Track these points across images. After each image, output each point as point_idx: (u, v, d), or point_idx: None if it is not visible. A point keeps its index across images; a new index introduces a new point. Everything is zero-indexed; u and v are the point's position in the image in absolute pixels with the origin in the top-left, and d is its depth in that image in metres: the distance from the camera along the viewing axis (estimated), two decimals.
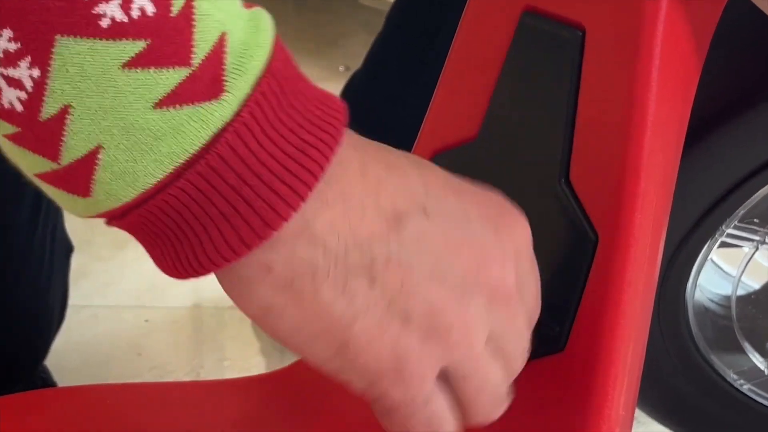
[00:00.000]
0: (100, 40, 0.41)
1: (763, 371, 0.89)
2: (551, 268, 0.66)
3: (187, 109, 0.44)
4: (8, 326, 1.04)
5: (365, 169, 0.49)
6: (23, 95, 0.42)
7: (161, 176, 0.44)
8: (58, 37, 0.41)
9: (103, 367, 1.23)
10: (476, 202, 0.54)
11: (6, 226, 0.99)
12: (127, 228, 0.48)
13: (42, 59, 0.41)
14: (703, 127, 0.77)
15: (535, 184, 0.67)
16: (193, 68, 0.43)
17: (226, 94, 0.44)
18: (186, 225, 0.46)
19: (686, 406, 0.91)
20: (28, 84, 0.42)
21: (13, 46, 0.41)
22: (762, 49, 0.78)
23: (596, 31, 0.64)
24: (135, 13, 0.42)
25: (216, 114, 0.44)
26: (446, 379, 0.53)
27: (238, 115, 0.44)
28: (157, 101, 0.43)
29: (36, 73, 0.42)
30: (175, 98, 0.43)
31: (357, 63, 1.36)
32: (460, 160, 0.70)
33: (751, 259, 0.87)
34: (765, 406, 0.90)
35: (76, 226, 1.17)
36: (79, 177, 0.44)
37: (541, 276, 0.65)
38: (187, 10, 0.43)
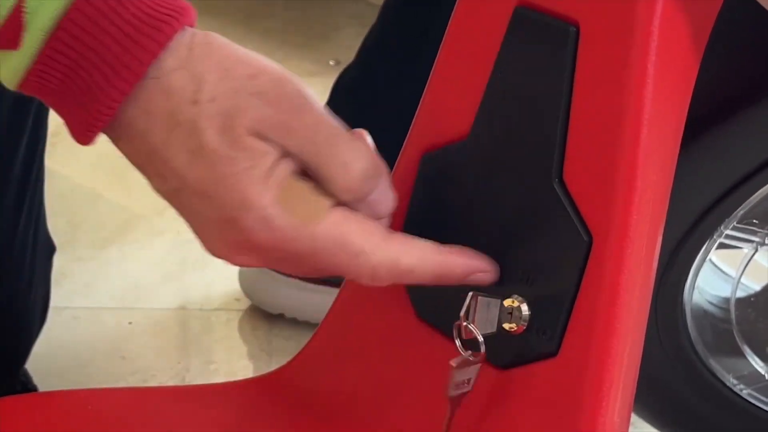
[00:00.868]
0: None
1: (764, 376, 0.89)
2: (544, 270, 0.65)
3: None
4: None
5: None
6: None
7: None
8: None
9: (84, 370, 1.23)
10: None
11: None
12: (37, 88, 0.60)
13: None
14: (701, 126, 0.77)
15: (528, 184, 0.66)
16: None
17: None
18: (74, 74, 0.59)
19: (684, 412, 0.90)
20: None
21: None
22: (762, 46, 0.77)
23: (591, 26, 0.64)
24: None
25: None
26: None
27: None
28: None
29: None
30: None
31: (347, 56, 1.36)
32: (451, 158, 0.69)
33: (751, 260, 0.87)
34: (765, 411, 0.89)
35: (58, 226, 1.17)
36: (12, 27, 0.58)
37: (533, 278, 0.66)
38: None
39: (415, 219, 0.71)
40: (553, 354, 0.65)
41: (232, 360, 1.26)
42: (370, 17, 1.34)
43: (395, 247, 0.63)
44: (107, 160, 1.53)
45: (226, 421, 0.76)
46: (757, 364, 0.90)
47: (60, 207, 1.44)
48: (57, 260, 1.11)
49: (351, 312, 0.75)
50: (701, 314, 0.89)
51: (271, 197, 0.60)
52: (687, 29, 0.64)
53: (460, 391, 0.66)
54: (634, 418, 0.84)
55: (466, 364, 0.65)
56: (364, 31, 1.34)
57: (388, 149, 0.71)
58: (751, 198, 0.81)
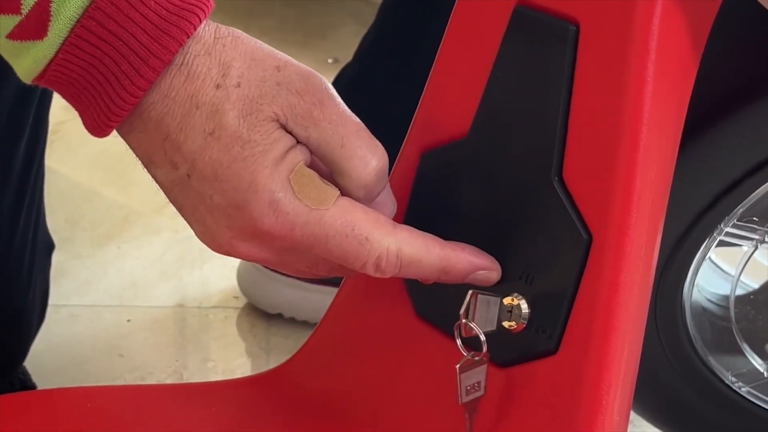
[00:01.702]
0: None
1: (763, 374, 0.89)
2: (543, 268, 0.65)
3: None
4: None
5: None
6: None
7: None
8: None
9: (82, 368, 1.23)
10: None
11: None
12: (57, 79, 0.61)
13: None
14: (700, 123, 0.77)
15: (528, 182, 0.66)
16: None
17: None
18: (98, 63, 0.60)
19: (683, 409, 0.90)
20: None
21: None
22: (761, 44, 0.77)
23: (591, 24, 0.64)
24: None
25: None
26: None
27: None
28: None
29: None
30: None
31: (346, 54, 1.36)
32: (451, 157, 0.69)
33: (750, 258, 0.87)
34: (764, 409, 0.89)
35: (56, 223, 1.17)
36: (39, 17, 0.59)
37: (533, 276, 0.66)
38: None
39: (415, 217, 0.71)
40: (552, 352, 0.65)
41: (229, 358, 1.26)
42: (368, 15, 1.33)
43: (401, 237, 0.64)
44: (106, 158, 1.53)
45: (224, 419, 0.76)
46: (755, 361, 0.89)
47: (58, 205, 1.44)
48: (55, 258, 1.11)
49: (350, 310, 0.75)
50: (700, 312, 0.89)
51: (281, 181, 0.61)
52: (686, 28, 0.64)
53: (472, 396, 0.66)
54: (633, 415, 0.84)
55: (470, 365, 0.65)
56: (362, 29, 1.34)
57: (388, 148, 0.71)
58: (751, 196, 0.81)
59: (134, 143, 0.63)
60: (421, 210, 0.71)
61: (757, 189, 0.80)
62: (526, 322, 0.66)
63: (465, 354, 0.65)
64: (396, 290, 0.71)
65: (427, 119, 0.71)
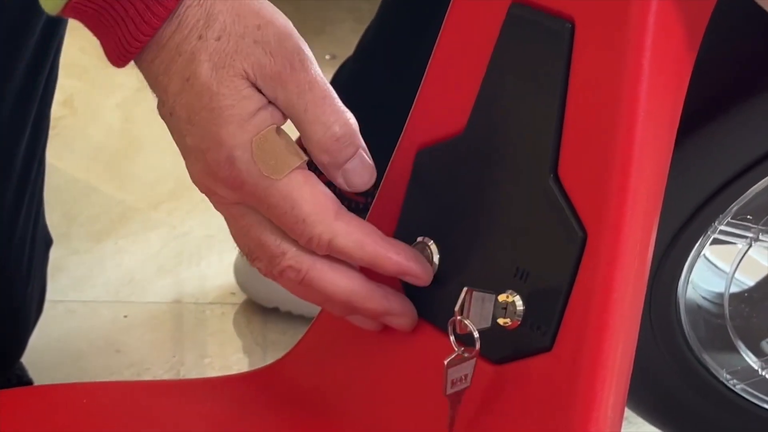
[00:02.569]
0: None
1: (757, 371, 0.89)
2: (538, 265, 0.65)
3: None
4: None
5: None
6: None
7: None
8: None
9: (79, 364, 1.23)
10: None
11: None
12: (79, 12, 0.65)
13: None
14: (695, 121, 0.77)
15: (523, 179, 0.66)
16: None
17: None
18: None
19: (678, 406, 0.90)
20: None
21: None
22: (757, 42, 0.77)
23: (586, 22, 0.64)
24: None
25: None
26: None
27: None
28: None
29: None
30: None
31: (344, 51, 1.35)
32: (447, 154, 0.70)
33: (745, 256, 0.87)
34: (758, 406, 0.89)
35: (53, 219, 1.17)
36: None
37: (528, 273, 0.66)
38: None
39: (410, 214, 0.71)
40: (547, 349, 0.65)
41: (226, 354, 1.26)
42: (366, 11, 1.33)
43: (338, 226, 0.66)
44: (103, 153, 1.52)
45: (221, 415, 0.76)
46: (750, 359, 0.89)
47: (55, 200, 1.44)
48: (52, 253, 1.11)
49: None
50: (695, 309, 0.89)
51: (242, 140, 0.65)
52: (682, 25, 0.64)
53: (457, 388, 0.66)
54: (627, 412, 0.84)
55: (458, 361, 0.65)
56: (360, 26, 1.33)
57: (385, 144, 0.71)
58: (746, 194, 0.80)
59: (145, 73, 0.68)
60: (416, 206, 0.71)
61: (751, 187, 0.80)
62: (520, 319, 0.66)
63: (456, 350, 0.66)
64: (392, 287, 0.71)
65: (423, 116, 0.71)
